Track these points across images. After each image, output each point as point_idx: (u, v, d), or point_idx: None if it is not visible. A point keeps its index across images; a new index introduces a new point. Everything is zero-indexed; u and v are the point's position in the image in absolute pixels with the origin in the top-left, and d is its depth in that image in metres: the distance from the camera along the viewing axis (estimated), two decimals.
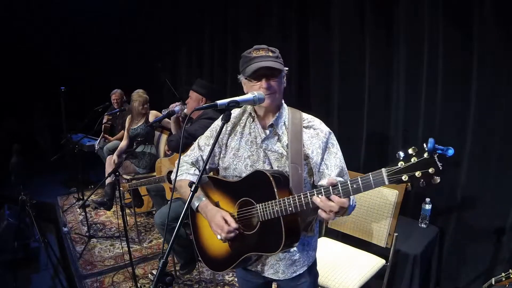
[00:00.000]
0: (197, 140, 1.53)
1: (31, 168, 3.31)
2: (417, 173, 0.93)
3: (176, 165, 1.31)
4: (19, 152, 2.71)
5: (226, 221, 1.25)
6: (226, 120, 1.22)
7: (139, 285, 2.65)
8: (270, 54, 1.26)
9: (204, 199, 1.35)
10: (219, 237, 1.27)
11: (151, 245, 3.39)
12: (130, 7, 5.59)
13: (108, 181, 3.78)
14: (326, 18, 3.08)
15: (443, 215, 2.49)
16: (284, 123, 1.34)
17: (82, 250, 3.23)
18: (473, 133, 2.25)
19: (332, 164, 1.31)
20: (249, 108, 1.39)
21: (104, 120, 4.60)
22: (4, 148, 3.08)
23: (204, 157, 1.45)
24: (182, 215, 1.07)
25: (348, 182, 1.04)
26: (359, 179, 1.02)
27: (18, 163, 2.68)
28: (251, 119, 1.37)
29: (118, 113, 4.29)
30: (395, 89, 2.67)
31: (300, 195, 1.14)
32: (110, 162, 3.90)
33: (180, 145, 2.44)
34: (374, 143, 2.85)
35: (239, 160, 1.36)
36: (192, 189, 1.10)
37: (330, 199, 1.06)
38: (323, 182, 1.28)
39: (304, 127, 1.33)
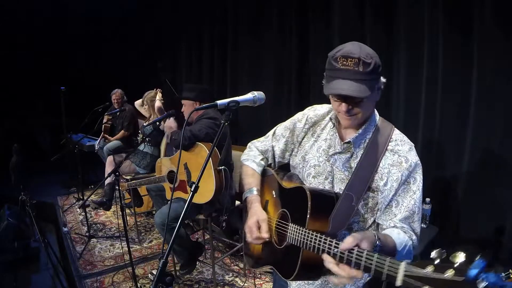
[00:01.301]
0: (274, 128, 1.39)
1: (31, 168, 3.32)
2: None
3: (177, 164, 1.29)
4: (19, 152, 2.71)
5: (259, 227, 1.17)
6: (226, 120, 1.15)
7: (139, 285, 2.65)
8: (360, 69, 0.99)
9: (255, 192, 1.27)
10: (248, 238, 1.21)
11: (151, 245, 3.39)
12: (131, 7, 5.59)
13: (108, 181, 3.78)
14: (326, 18, 3.09)
15: (443, 215, 2.49)
16: (366, 141, 1.13)
17: (82, 250, 3.23)
18: (473, 133, 2.25)
19: (404, 204, 1.08)
20: (333, 111, 1.20)
21: (104, 120, 4.60)
22: (4, 148, 3.07)
23: (276, 148, 1.34)
24: (182, 215, 1.07)
25: (364, 254, 0.83)
26: (375, 258, 0.81)
27: (18, 163, 2.68)
28: (332, 125, 1.19)
29: (118, 113, 4.29)
30: (395, 89, 2.67)
31: (322, 239, 0.96)
32: (110, 162, 3.90)
33: (180, 145, 2.46)
34: None
35: (304, 166, 1.23)
36: (192, 189, 1.09)
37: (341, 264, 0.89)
38: (385, 222, 1.10)
39: (388, 149, 1.10)
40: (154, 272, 2.87)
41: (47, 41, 5.36)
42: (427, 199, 2.43)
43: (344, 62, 1.00)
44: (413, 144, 1.14)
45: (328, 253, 0.93)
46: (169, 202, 2.82)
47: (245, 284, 2.76)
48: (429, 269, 0.69)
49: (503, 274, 1.61)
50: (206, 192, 2.36)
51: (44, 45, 5.36)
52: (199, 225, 3.48)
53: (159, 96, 3.45)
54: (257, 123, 3.87)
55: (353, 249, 0.86)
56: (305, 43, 3.32)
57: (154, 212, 3.78)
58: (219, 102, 1.18)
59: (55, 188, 4.80)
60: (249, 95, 1.24)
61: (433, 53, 2.36)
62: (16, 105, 5.38)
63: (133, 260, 2.65)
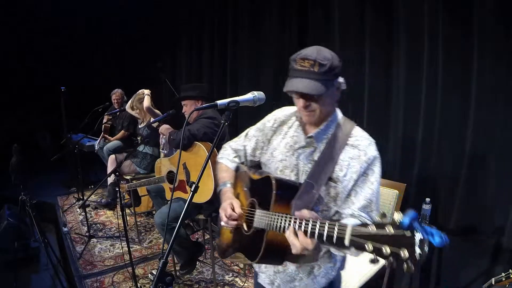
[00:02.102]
0: (247, 129, 1.49)
1: (31, 168, 3.31)
2: (385, 249, 0.71)
3: (176, 164, 1.31)
4: (19, 152, 2.71)
5: (232, 208, 1.24)
6: (226, 120, 1.17)
7: (139, 285, 2.65)
8: (316, 69, 1.09)
9: (228, 185, 1.36)
10: (222, 223, 1.27)
11: (151, 245, 3.39)
12: (130, 7, 5.59)
13: (110, 180, 3.79)
14: (327, 18, 3.09)
15: (443, 215, 2.49)
16: (328, 136, 1.22)
17: (82, 250, 3.23)
18: (473, 133, 2.25)
19: (362, 193, 1.15)
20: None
21: (104, 120, 4.60)
22: (4, 148, 3.07)
23: (247, 147, 1.44)
24: (182, 215, 1.08)
25: (318, 222, 0.89)
26: (326, 224, 0.86)
27: (18, 163, 2.67)
28: (298, 122, 1.29)
29: (118, 113, 4.29)
30: (395, 89, 2.67)
31: (288, 217, 1.02)
32: (112, 161, 3.91)
33: (180, 145, 2.46)
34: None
35: (272, 161, 1.31)
36: (192, 189, 1.10)
37: (296, 235, 0.95)
38: (344, 210, 1.17)
39: (348, 144, 1.18)
40: (154, 272, 2.87)
41: (47, 41, 5.36)
42: (427, 199, 2.43)
43: (302, 63, 1.10)
44: (373, 140, 1.22)
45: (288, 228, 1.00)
46: (169, 202, 2.82)
47: (245, 284, 2.77)
48: (372, 227, 0.75)
49: (503, 274, 1.59)
50: (205, 192, 2.36)
51: (44, 45, 5.36)
52: (199, 225, 3.48)
53: (147, 91, 3.39)
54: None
55: (308, 220, 0.92)
56: (305, 43, 3.32)
57: (154, 212, 3.78)
58: (219, 102, 1.19)
59: (55, 188, 4.80)
60: (249, 95, 1.24)
61: (433, 53, 2.36)
62: (16, 105, 5.37)
63: (133, 260, 2.65)
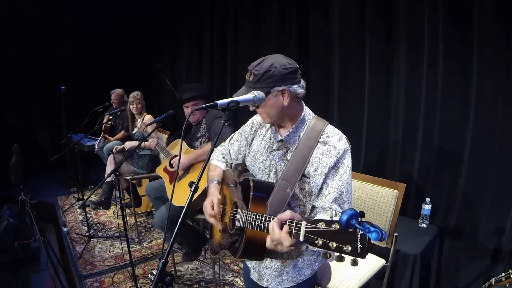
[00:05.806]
0: (233, 134, 1.59)
1: (31, 168, 3.31)
2: (332, 244, 0.82)
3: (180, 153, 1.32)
4: (19, 152, 2.71)
5: (212, 206, 1.33)
6: (226, 120, 1.17)
7: (139, 285, 2.65)
8: (251, 78, 1.23)
9: (215, 182, 1.45)
10: (206, 216, 1.36)
11: (151, 245, 3.39)
12: (130, 7, 5.59)
13: (107, 180, 3.78)
14: (327, 18, 3.09)
15: (443, 215, 2.49)
16: (299, 136, 1.28)
17: (82, 250, 3.23)
18: (473, 133, 2.25)
19: (333, 186, 1.20)
20: None
21: (104, 120, 4.59)
22: (4, 148, 3.07)
23: (231, 151, 1.55)
24: (182, 215, 1.07)
25: (294, 222, 0.95)
26: (294, 223, 0.94)
27: (18, 163, 2.67)
28: (272, 125, 1.35)
29: (118, 113, 4.28)
30: (395, 89, 2.68)
31: (261, 216, 1.11)
32: (111, 161, 3.90)
33: (181, 139, 2.46)
34: (374, 143, 2.85)
35: (255, 163, 1.39)
36: (192, 189, 1.10)
37: (280, 227, 1.00)
38: (317, 203, 1.22)
39: (320, 141, 1.24)
40: (154, 272, 2.87)
41: (47, 41, 5.36)
42: (427, 199, 2.43)
43: (247, 73, 1.26)
44: (344, 136, 1.27)
45: (262, 225, 1.11)
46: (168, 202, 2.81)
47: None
48: (322, 224, 0.85)
49: (503, 274, 1.59)
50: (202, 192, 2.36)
51: (44, 45, 5.36)
52: (199, 225, 3.48)
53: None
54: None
55: (286, 220, 0.99)
56: (305, 43, 3.32)
57: (153, 212, 3.77)
58: (219, 102, 1.18)
59: (55, 188, 4.80)
60: (249, 95, 1.24)
61: (433, 53, 2.36)
62: (16, 105, 5.37)
63: (133, 260, 2.65)
